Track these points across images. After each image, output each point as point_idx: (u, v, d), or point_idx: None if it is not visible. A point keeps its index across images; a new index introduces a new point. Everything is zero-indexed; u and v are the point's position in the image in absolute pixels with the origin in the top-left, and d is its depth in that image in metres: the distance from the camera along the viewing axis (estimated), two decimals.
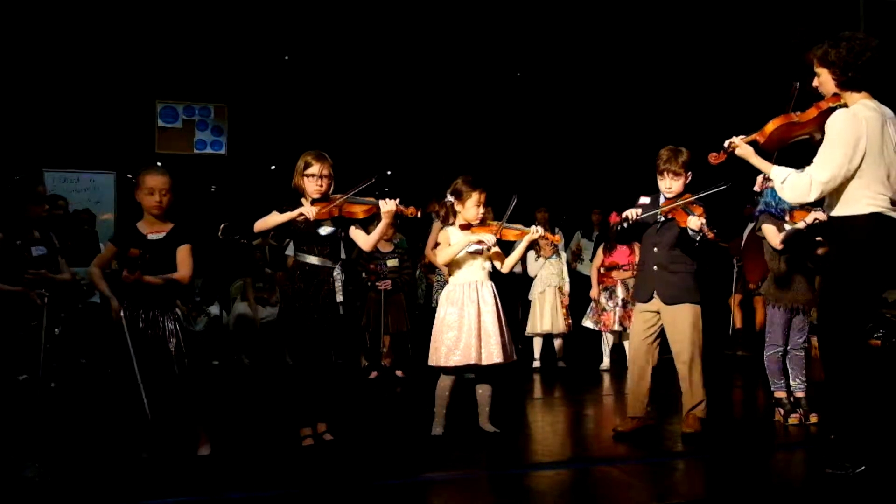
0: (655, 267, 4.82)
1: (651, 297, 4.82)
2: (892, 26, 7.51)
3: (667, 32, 9.37)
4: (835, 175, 3.65)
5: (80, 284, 6.81)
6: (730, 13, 8.94)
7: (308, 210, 4.38)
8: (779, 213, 5.05)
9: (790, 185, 3.76)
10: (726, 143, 3.98)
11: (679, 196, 4.78)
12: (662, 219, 4.79)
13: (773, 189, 5.03)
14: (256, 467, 4.20)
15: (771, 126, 3.89)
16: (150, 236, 4.31)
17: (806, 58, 3.87)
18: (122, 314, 4.16)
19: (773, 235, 5.03)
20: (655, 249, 4.84)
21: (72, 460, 4.26)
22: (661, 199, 4.85)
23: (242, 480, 3.98)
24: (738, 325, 8.88)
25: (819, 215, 4.75)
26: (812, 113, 3.86)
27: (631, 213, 4.78)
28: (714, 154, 4.09)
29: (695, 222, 4.56)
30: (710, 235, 4.59)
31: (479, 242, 4.71)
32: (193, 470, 4.15)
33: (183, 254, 4.32)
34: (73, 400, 5.76)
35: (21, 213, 4.28)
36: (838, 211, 3.75)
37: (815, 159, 3.76)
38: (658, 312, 4.82)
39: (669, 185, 4.79)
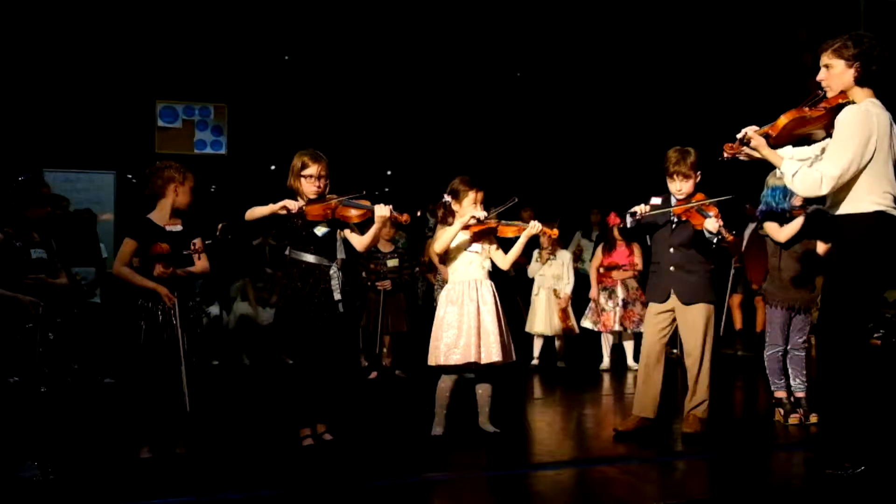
0: (672, 268, 4.81)
1: (668, 297, 4.81)
2: (893, 26, 7.51)
3: (666, 32, 9.38)
4: (845, 170, 3.63)
5: (80, 286, 6.82)
6: (730, 13, 8.95)
7: (291, 204, 4.39)
8: (780, 213, 5.05)
9: (800, 179, 3.72)
10: (740, 134, 3.90)
11: (691, 197, 4.77)
12: (676, 219, 4.79)
13: (773, 189, 5.03)
14: (256, 467, 4.20)
15: (784, 120, 3.82)
16: (168, 228, 4.35)
17: (817, 51, 3.82)
18: (174, 301, 4.25)
19: (775, 230, 5.03)
20: (671, 250, 4.83)
21: (70, 461, 4.25)
22: (673, 200, 4.85)
23: (242, 480, 3.98)
24: (739, 325, 8.88)
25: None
26: (822, 109, 3.82)
27: (640, 209, 4.76)
28: (729, 144, 3.97)
29: (713, 224, 4.55)
30: (730, 238, 4.58)
31: (472, 219, 4.70)
32: (193, 470, 4.15)
33: (200, 246, 4.41)
34: (66, 404, 5.75)
35: (21, 214, 4.27)
36: (844, 209, 3.73)
37: (825, 154, 3.74)
38: (672, 311, 4.82)
39: (680, 187, 4.78)
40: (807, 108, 3.83)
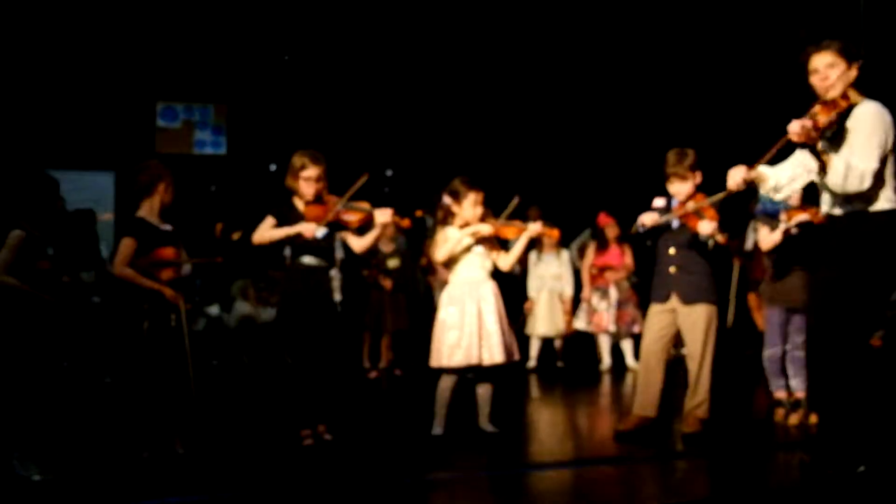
0: (672, 268, 4.81)
1: (669, 298, 4.82)
2: (892, 26, 7.50)
3: (668, 32, 9.38)
4: (879, 161, 3.59)
5: (82, 285, 6.81)
6: (731, 12, 8.95)
7: (306, 228, 4.40)
8: (773, 212, 5.07)
9: (847, 176, 3.58)
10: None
11: (690, 198, 4.78)
12: (676, 221, 4.80)
13: None
14: (256, 467, 4.20)
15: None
16: (162, 228, 4.36)
17: (813, 52, 3.75)
18: (180, 300, 4.28)
19: (762, 238, 5.08)
20: (672, 251, 4.83)
21: (69, 460, 4.25)
22: (675, 202, 4.86)
23: (242, 480, 3.98)
24: (730, 323, 8.87)
25: (801, 218, 4.78)
26: (830, 108, 3.69)
27: (647, 219, 4.77)
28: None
29: (706, 227, 4.57)
30: (722, 240, 4.59)
31: (474, 234, 4.70)
32: (193, 470, 4.15)
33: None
34: (59, 403, 5.74)
35: (52, 209, 4.21)
36: (856, 206, 3.66)
37: (853, 150, 3.61)
38: (674, 312, 4.82)
39: (678, 189, 4.79)
40: (819, 108, 3.72)
